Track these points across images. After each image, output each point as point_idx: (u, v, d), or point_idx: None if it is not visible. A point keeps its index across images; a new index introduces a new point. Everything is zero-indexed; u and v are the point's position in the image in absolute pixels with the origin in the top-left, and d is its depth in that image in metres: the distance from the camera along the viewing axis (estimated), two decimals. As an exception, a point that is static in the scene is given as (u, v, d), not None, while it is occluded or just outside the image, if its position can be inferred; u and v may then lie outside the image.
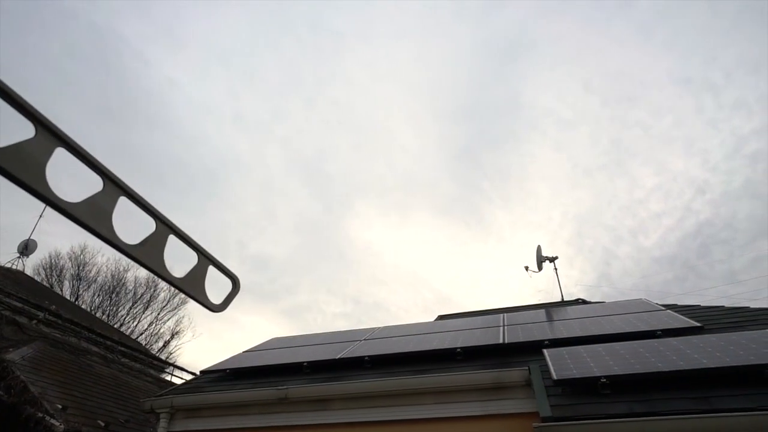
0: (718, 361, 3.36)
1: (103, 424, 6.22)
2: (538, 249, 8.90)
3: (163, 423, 5.10)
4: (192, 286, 1.37)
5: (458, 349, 5.01)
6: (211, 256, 1.43)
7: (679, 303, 6.30)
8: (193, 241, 1.37)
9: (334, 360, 5.41)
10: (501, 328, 5.74)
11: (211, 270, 1.46)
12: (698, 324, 4.71)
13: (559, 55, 24.54)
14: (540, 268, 8.86)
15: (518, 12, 23.33)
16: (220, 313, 1.48)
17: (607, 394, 3.44)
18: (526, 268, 8.90)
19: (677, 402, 3.24)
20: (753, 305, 5.75)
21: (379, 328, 7.37)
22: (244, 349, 6.95)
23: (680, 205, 25.82)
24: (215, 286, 1.70)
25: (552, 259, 8.81)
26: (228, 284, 1.56)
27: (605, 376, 3.45)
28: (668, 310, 5.45)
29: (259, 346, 7.14)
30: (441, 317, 8.71)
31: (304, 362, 5.45)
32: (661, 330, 4.66)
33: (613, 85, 24.44)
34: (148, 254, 1.22)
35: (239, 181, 28.45)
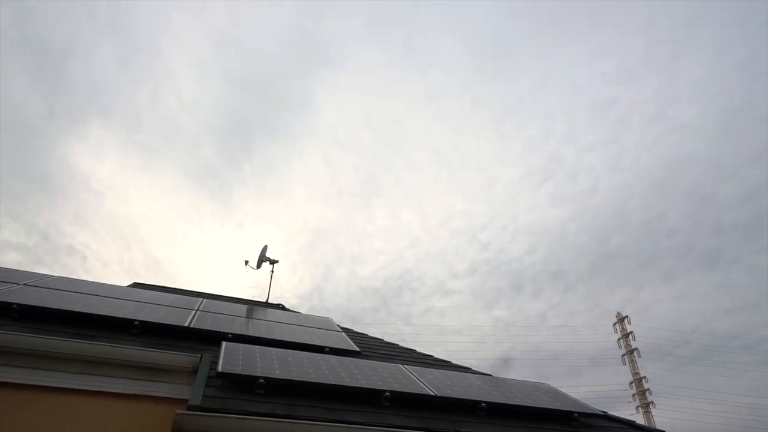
0: (355, 382, 4.02)
1: None
2: (264, 248, 9.13)
3: None
4: None
5: (136, 322, 4.65)
6: None
7: (356, 329, 7.35)
8: None
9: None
10: (193, 311, 5.59)
11: None
12: (358, 349, 5.57)
13: (358, 80, 26.61)
14: (259, 266, 9.08)
15: (342, 22, 24.44)
16: None
17: (261, 393, 3.70)
18: (246, 262, 8.99)
19: (315, 410, 3.71)
20: (412, 345, 7.17)
21: (54, 277, 6.24)
22: None
23: (396, 249, 30.71)
24: None
25: (272, 262, 9.14)
26: None
27: (264, 377, 3.71)
28: (343, 333, 6.29)
29: None
30: (136, 284, 7.93)
31: None
32: (329, 348, 5.32)
33: (389, 130, 27.83)
34: None
35: None
